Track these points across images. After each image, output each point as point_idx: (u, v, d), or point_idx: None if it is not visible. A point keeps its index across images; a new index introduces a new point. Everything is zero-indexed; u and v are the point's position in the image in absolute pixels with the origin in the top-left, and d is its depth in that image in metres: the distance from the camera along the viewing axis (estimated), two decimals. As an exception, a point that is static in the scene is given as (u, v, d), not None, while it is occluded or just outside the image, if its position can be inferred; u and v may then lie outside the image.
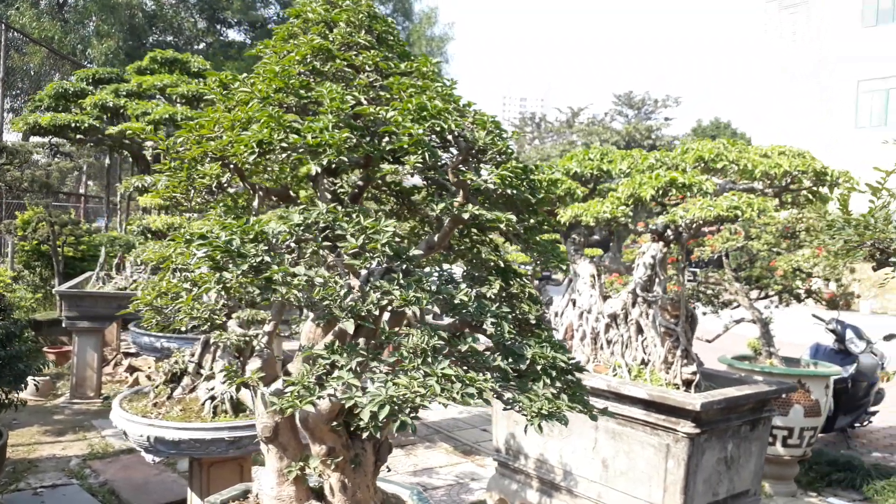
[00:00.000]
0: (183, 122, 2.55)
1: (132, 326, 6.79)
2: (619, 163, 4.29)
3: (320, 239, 2.04)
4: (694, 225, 3.84)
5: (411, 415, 1.80)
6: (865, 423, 8.56)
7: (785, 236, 6.25)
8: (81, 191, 20.08)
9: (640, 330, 4.60)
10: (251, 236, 2.00)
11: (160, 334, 6.45)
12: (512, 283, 2.41)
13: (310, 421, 2.44)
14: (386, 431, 2.76)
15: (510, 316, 2.23)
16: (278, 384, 2.55)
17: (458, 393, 1.80)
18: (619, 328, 4.69)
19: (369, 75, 2.36)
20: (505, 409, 2.11)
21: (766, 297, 7.36)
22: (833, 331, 8.10)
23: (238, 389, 4.22)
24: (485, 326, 2.19)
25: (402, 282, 2.00)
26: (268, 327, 2.69)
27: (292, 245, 2.07)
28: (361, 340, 2.35)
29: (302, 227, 2.03)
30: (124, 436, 4.17)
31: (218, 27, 34.71)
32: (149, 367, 9.95)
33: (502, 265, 2.48)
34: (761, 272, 7.33)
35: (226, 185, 2.47)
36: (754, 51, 32.99)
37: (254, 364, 2.55)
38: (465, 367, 1.97)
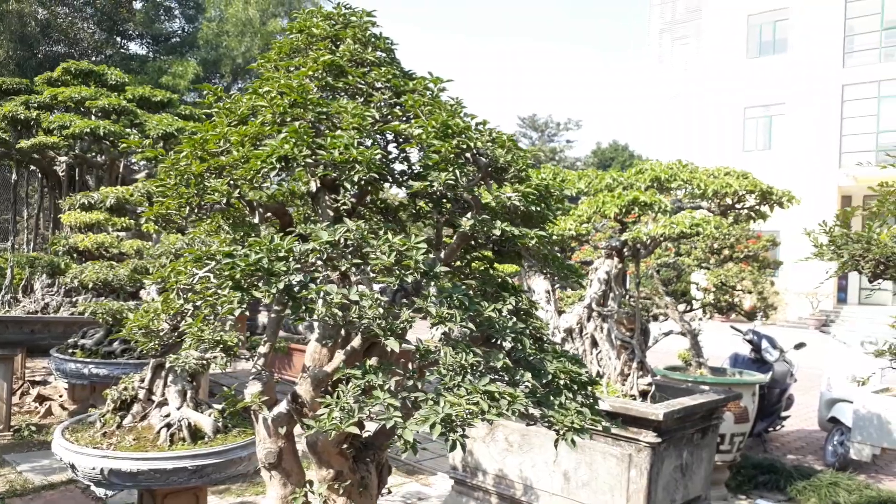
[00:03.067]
0: (185, 136, 2.44)
1: (54, 352, 6.37)
2: (577, 182, 4.44)
3: (349, 256, 2.00)
4: (653, 242, 4.02)
5: (461, 433, 1.79)
6: (778, 428, 9.10)
7: (713, 252, 6.60)
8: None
9: (595, 343, 4.74)
10: (280, 254, 1.94)
11: (88, 360, 6.08)
12: (521, 299, 2.44)
13: (319, 444, 2.38)
14: (385, 453, 2.73)
15: (527, 331, 2.25)
16: (281, 408, 2.48)
17: (507, 409, 1.80)
18: (575, 342, 4.81)
19: (383, 92, 2.35)
20: (529, 425, 2.13)
21: (692, 310, 7.74)
22: (750, 341, 8.58)
23: (233, 415, 4.07)
24: (503, 342, 2.21)
25: (433, 298, 1.99)
26: (263, 348, 2.61)
27: (319, 263, 2.03)
28: (375, 359, 2.32)
29: (330, 247, 1.99)
30: (72, 469, 3.89)
31: (118, 39, 33.22)
32: (60, 396, 9.32)
33: (510, 282, 2.51)
34: (686, 286, 7.71)
35: (234, 200, 2.38)
36: (649, 78, 34.69)
37: (254, 387, 2.47)
38: (501, 384, 1.97)
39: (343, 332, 2.50)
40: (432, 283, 2.08)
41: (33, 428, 8.00)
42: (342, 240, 2.02)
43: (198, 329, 2.21)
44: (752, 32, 31.10)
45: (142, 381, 4.35)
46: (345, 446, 2.40)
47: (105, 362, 5.98)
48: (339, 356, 2.36)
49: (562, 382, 2.17)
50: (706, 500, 4.82)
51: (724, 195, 4.17)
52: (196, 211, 2.49)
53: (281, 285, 1.85)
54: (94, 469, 3.74)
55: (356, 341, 2.32)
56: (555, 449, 4.46)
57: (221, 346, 2.23)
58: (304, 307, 1.94)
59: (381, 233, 2.04)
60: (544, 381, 2.15)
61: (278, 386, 3.67)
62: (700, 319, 7.95)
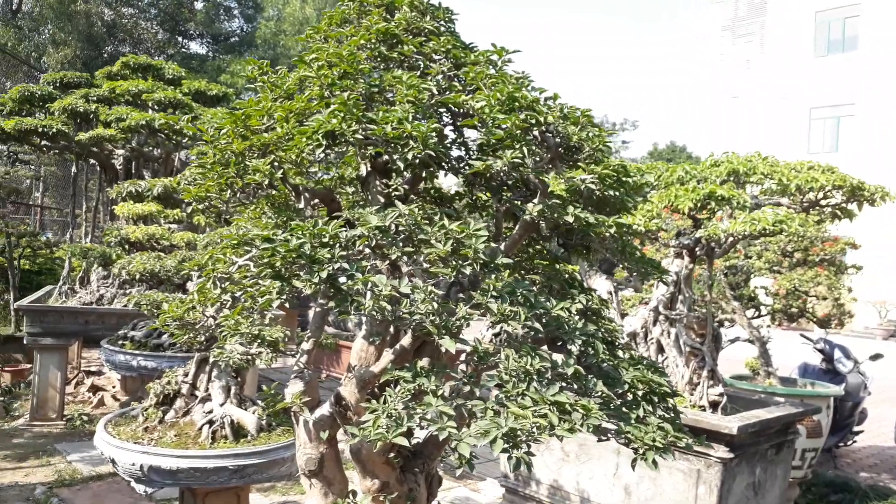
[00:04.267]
0: (226, 111, 2.26)
1: (105, 343, 6.35)
2: (646, 175, 4.12)
3: (400, 244, 1.78)
4: (730, 240, 3.69)
5: (525, 450, 1.54)
6: (850, 443, 8.55)
7: (785, 255, 6.17)
8: (35, 201, 19.22)
9: (661, 349, 4.42)
10: (324, 240, 1.72)
11: (137, 352, 6.04)
12: (591, 297, 2.18)
13: (363, 452, 2.16)
14: (435, 463, 2.50)
15: (599, 334, 1.99)
16: (323, 410, 2.27)
17: (580, 424, 1.55)
18: (639, 348, 4.50)
19: (442, 64, 2.12)
20: (601, 440, 1.87)
21: (760, 315, 7.30)
22: (821, 350, 8.07)
23: (277, 413, 3.91)
24: (570, 347, 1.96)
25: (493, 293, 1.75)
26: (307, 345, 2.41)
27: (367, 251, 1.81)
28: (426, 360, 2.09)
29: (380, 232, 1.76)
30: (113, 465, 3.79)
31: (179, 39, 33.97)
32: (113, 387, 9.41)
33: (579, 279, 2.25)
34: (753, 291, 7.28)
35: (277, 182, 2.19)
36: (709, 77, 33.58)
37: (295, 387, 2.26)
38: (570, 394, 1.72)
39: (392, 329, 2.29)
40: (492, 277, 1.84)
41: (85, 417, 8.05)
42: (393, 225, 1.80)
43: (234, 322, 2.02)
44: (819, 30, 29.84)
45: (185, 375, 4.23)
46: (392, 455, 2.18)
47: (153, 355, 5.93)
48: (388, 355, 2.14)
49: (640, 393, 1.90)
50: (780, 521, 4.45)
51: (808, 190, 3.81)
52: (237, 194, 2.31)
53: (324, 274, 1.64)
54: (133, 465, 3.62)
55: (406, 339, 2.09)
56: (629, 465, 4.15)
57: (259, 340, 2.04)
58: (349, 300, 1.73)
59: (437, 219, 1.81)
60: (619, 392, 1.88)
61: (326, 383, 3.45)
62: (768, 326, 7.50)
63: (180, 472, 3.60)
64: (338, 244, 1.74)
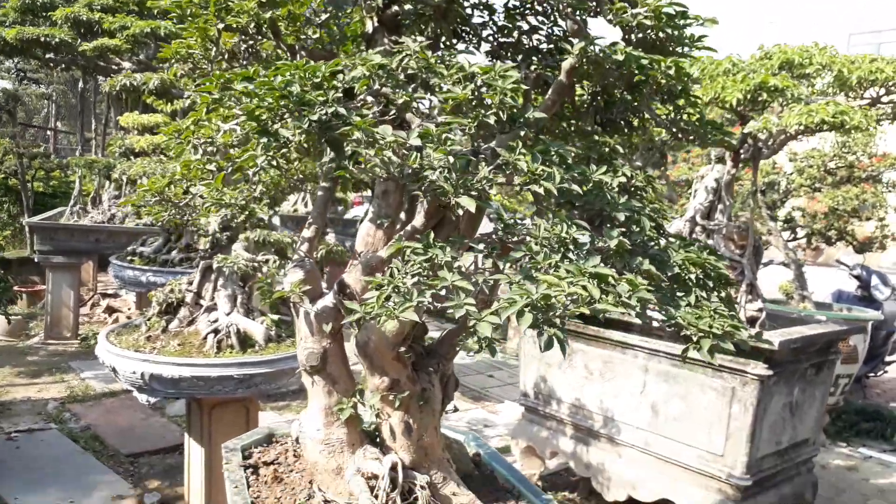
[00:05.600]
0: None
1: (114, 259, 6.17)
2: (687, 67, 3.73)
3: (411, 89, 1.46)
4: (782, 137, 3.32)
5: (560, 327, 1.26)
6: (881, 373, 8.28)
7: (829, 172, 5.76)
8: (50, 125, 18.98)
9: (695, 263, 4.11)
10: (316, 81, 1.42)
11: (146, 268, 5.85)
12: (636, 173, 1.87)
13: (370, 345, 1.91)
14: (451, 364, 2.25)
15: (644, 211, 1.69)
16: (326, 301, 2.01)
17: (627, 296, 1.27)
18: (671, 261, 4.19)
19: None
20: (646, 330, 1.58)
21: (796, 238, 6.94)
22: (857, 276, 7.72)
23: (282, 318, 3.69)
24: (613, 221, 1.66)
25: (523, 150, 1.44)
26: (308, 232, 2.13)
27: (369, 99, 1.50)
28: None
29: (384, 73, 1.45)
30: (114, 373, 3.61)
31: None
32: (128, 308, 9.34)
33: (621, 151, 1.94)
34: (789, 213, 6.90)
35: (266, 28, 1.86)
36: (742, 3, 32.01)
37: (294, 275, 2.00)
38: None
39: (403, 214, 2.00)
40: (521, 135, 1.53)
41: (100, 336, 7.99)
42: (400, 67, 1.48)
43: (218, 192, 1.74)
44: (862, -49, 28.19)
45: (190, 283, 4.01)
46: (402, 349, 1.92)
47: (162, 270, 5.74)
48: (398, 238, 1.85)
49: (692, 277, 1.61)
50: (814, 444, 4.21)
51: (869, 85, 3.42)
52: (224, 54, 1.99)
53: (314, 117, 1.34)
54: (134, 373, 3.43)
55: (418, 219, 1.81)
56: (657, 384, 3.87)
57: (248, 213, 1.75)
58: (348, 157, 1.43)
59: (454, 60, 1.49)
60: (669, 275, 1.59)
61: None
62: (803, 250, 7.15)
63: (183, 381, 3.42)
64: (332, 88, 1.43)
